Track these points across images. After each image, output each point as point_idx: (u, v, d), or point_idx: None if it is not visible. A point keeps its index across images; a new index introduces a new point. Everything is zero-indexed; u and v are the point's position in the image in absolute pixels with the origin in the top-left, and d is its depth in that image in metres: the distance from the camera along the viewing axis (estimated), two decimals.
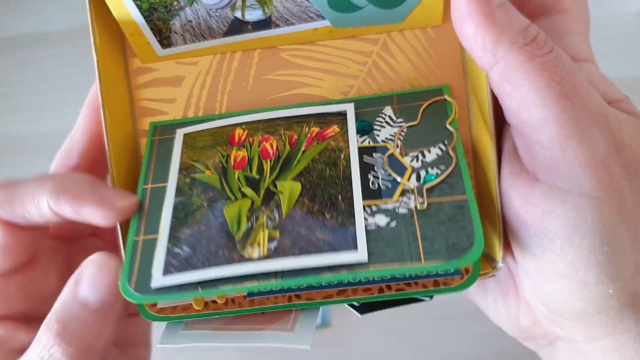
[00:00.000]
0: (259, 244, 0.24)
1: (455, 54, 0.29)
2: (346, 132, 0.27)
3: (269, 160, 0.27)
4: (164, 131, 0.29)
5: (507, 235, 0.25)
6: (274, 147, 0.27)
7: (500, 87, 0.23)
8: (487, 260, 0.26)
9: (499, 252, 0.25)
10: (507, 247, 0.25)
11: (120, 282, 0.24)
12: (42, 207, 0.25)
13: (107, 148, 0.27)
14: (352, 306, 0.24)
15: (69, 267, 0.30)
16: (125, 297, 0.24)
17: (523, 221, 0.24)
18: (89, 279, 0.25)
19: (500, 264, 0.25)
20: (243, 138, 0.28)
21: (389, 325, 0.65)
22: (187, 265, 0.24)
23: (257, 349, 0.63)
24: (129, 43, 0.29)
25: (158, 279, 0.24)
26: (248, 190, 0.26)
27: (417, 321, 0.66)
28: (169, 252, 0.24)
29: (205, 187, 0.26)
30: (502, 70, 0.22)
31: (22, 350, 0.26)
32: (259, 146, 0.27)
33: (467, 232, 0.23)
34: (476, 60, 0.23)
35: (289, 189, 0.25)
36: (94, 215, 0.25)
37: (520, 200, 0.24)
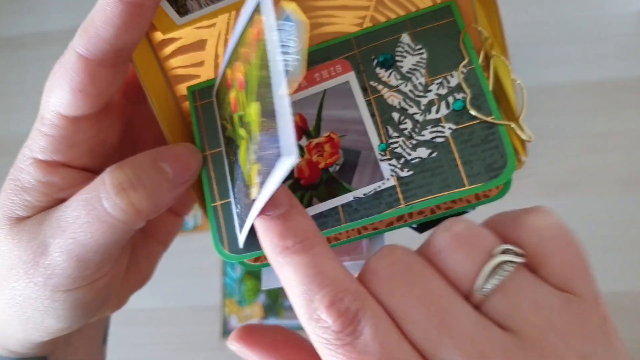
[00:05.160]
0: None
1: None
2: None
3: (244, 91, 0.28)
4: (202, 95, 0.31)
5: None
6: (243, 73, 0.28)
7: None
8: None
9: (522, 149, 0.28)
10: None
11: (214, 246, 0.28)
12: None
13: (159, 120, 0.29)
14: (412, 227, 0.28)
15: (130, 129, 0.32)
16: (224, 259, 0.28)
17: None
18: (178, 156, 0.28)
19: (524, 158, 0.28)
20: (230, 78, 0.29)
21: None
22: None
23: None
24: None
25: (241, 240, 0.28)
26: (242, 131, 0.27)
27: None
28: (238, 215, 0.28)
29: (230, 141, 0.29)
30: None
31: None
32: (237, 80, 0.28)
33: (500, 151, 0.26)
34: None
35: None
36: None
37: None
